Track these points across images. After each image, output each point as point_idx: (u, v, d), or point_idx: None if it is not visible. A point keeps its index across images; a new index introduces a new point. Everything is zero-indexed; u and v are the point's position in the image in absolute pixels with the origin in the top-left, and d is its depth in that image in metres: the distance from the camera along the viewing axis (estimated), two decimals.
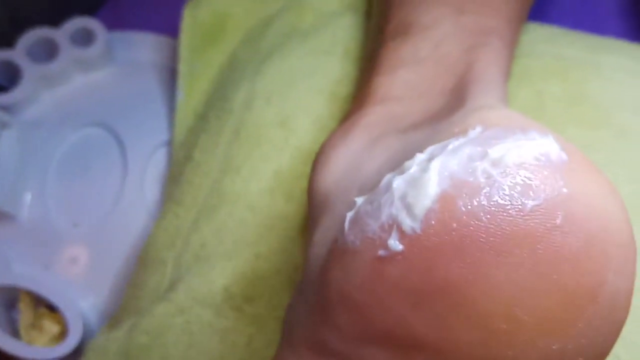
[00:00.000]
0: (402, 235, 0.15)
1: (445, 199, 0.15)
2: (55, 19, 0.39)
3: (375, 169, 0.20)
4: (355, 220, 0.16)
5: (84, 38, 0.38)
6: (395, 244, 0.15)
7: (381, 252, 0.15)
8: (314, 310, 0.18)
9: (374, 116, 0.23)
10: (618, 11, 0.37)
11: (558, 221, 0.14)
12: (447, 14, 0.25)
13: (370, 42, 0.29)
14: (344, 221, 0.18)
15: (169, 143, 0.38)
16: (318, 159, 0.23)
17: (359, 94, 0.25)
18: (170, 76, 0.40)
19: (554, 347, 0.15)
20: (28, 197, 0.36)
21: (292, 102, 0.31)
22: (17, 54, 0.37)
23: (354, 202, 0.17)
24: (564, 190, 0.14)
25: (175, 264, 0.30)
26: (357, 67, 0.32)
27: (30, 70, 0.37)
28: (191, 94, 0.36)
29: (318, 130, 0.31)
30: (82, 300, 0.36)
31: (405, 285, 0.15)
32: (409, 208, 0.15)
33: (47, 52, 0.38)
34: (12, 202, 0.36)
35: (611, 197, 0.15)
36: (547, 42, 0.31)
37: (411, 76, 0.24)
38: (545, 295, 0.14)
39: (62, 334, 0.35)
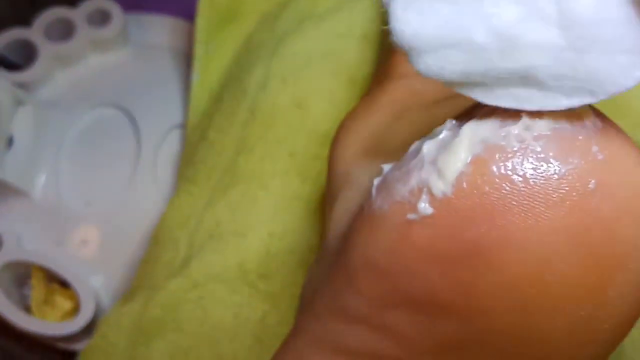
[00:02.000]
0: (432, 199, 0.15)
1: (477, 163, 0.15)
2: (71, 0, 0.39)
3: (400, 141, 0.20)
4: (383, 186, 0.17)
5: (101, 19, 0.39)
6: (425, 207, 0.15)
7: (410, 216, 0.16)
8: (336, 277, 0.18)
9: (395, 92, 0.23)
10: None
11: (591, 186, 0.14)
12: None
13: None
14: (367, 191, 0.18)
15: (183, 125, 0.38)
16: (339, 133, 0.23)
17: (379, 72, 0.26)
18: (185, 59, 0.40)
19: (581, 313, 0.15)
20: (42, 175, 0.37)
21: (308, 84, 0.31)
22: (34, 32, 0.38)
23: (381, 170, 0.17)
24: (599, 156, 0.14)
25: (189, 241, 0.30)
26: (374, 50, 0.32)
27: (46, 49, 0.38)
28: (206, 75, 0.36)
29: (334, 112, 0.31)
30: (94, 279, 0.36)
31: (434, 249, 0.16)
32: (439, 171, 0.15)
33: (64, 31, 0.38)
34: (26, 179, 0.36)
35: None
36: None
37: None
38: (576, 261, 0.15)
39: (74, 310, 0.35)
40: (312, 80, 0.32)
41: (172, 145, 0.38)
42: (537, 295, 0.15)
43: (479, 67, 0.14)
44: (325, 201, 0.23)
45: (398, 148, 0.20)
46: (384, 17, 0.15)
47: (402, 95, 0.23)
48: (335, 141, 0.23)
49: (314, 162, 0.30)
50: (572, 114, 0.15)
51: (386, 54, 0.26)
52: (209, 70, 0.36)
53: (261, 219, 0.29)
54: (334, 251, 0.19)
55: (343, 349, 0.18)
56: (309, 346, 0.18)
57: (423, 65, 0.14)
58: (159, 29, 0.41)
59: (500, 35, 0.14)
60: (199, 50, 0.36)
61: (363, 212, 0.17)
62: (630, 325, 0.16)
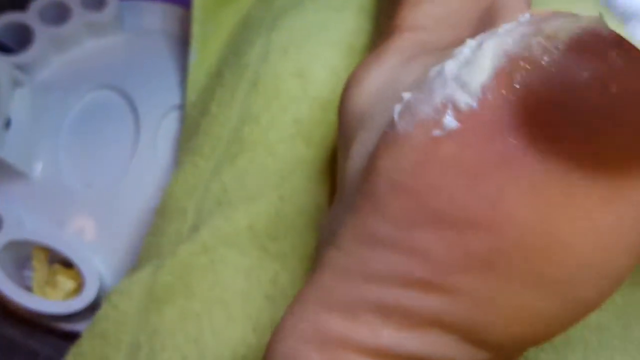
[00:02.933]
0: (458, 113, 0.16)
1: (501, 74, 0.15)
2: None
3: (413, 80, 0.20)
4: (405, 109, 0.17)
5: (96, 3, 0.39)
6: (451, 121, 0.16)
7: (436, 133, 0.16)
8: (361, 207, 0.18)
9: (404, 41, 0.24)
10: None
11: (614, 91, 0.15)
12: None
13: None
14: (384, 125, 0.19)
15: (181, 107, 0.38)
16: (351, 81, 0.23)
17: (385, 28, 0.26)
18: (179, 43, 0.41)
19: (608, 217, 0.16)
20: (41, 156, 0.36)
21: (309, 54, 0.32)
22: (30, 16, 0.38)
23: (401, 98, 0.18)
24: (618, 61, 0.15)
25: (197, 210, 0.30)
26: (371, 22, 0.33)
27: (42, 33, 0.38)
28: (204, 55, 0.37)
29: (335, 80, 0.31)
30: (95, 259, 0.36)
31: (460, 163, 0.16)
32: (464, 84, 0.16)
33: (59, 15, 0.38)
34: (25, 160, 0.36)
35: None
36: None
37: (438, 9, 0.24)
38: (604, 160, 0.15)
39: (77, 290, 0.35)
40: (312, 51, 0.32)
41: (170, 126, 0.38)
42: (562, 202, 0.16)
43: None
44: (337, 148, 0.24)
45: (410, 85, 0.20)
46: None
47: (410, 43, 0.23)
48: (346, 89, 0.23)
49: (319, 127, 0.30)
50: (590, 23, 0.15)
51: (390, 11, 0.27)
52: (206, 50, 0.37)
53: (269, 183, 0.29)
54: (354, 185, 0.20)
55: (371, 276, 0.18)
56: (336, 278, 0.19)
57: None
58: (152, 15, 0.41)
59: None
60: (196, 31, 0.37)
61: (386, 137, 0.18)
62: None
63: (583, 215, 0.16)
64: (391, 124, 0.17)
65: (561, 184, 0.16)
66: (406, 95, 0.18)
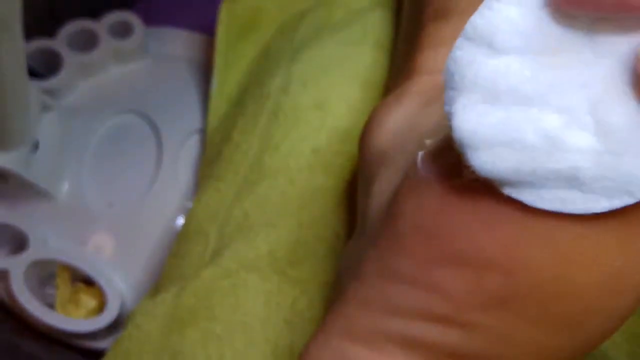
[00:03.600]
0: None
1: None
2: (91, 11, 0.41)
3: (432, 123, 0.22)
4: (428, 156, 0.18)
5: (122, 31, 0.40)
6: (469, 172, 0.17)
7: (456, 181, 0.17)
8: (384, 244, 0.20)
9: (423, 85, 0.25)
10: None
11: None
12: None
13: (406, 28, 0.31)
14: (406, 167, 0.20)
15: (202, 131, 0.40)
16: (372, 121, 0.25)
17: (403, 70, 0.28)
18: (201, 70, 0.42)
19: (615, 264, 0.17)
20: (66, 178, 0.38)
21: (327, 87, 0.33)
22: (58, 43, 0.39)
23: (424, 144, 0.19)
24: None
25: (218, 234, 0.31)
26: (387, 56, 0.34)
27: (70, 59, 0.39)
28: (225, 83, 0.38)
29: (352, 112, 0.33)
30: (116, 278, 0.37)
31: (479, 210, 0.17)
32: None
33: (87, 42, 0.40)
34: (51, 182, 0.37)
35: None
36: None
37: None
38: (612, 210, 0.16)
39: (98, 309, 0.36)
40: (331, 84, 0.34)
41: (192, 149, 0.39)
42: (573, 248, 0.17)
43: (528, 166, 0.16)
44: (358, 185, 0.25)
45: (431, 130, 0.22)
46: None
47: (430, 87, 0.25)
48: (368, 130, 0.25)
49: (337, 158, 0.31)
50: None
51: (408, 53, 0.28)
52: (227, 78, 0.38)
53: (289, 211, 0.30)
54: (377, 224, 0.21)
55: (393, 310, 0.19)
56: (359, 310, 0.20)
57: (478, 160, 0.16)
58: (176, 42, 0.43)
59: (546, 137, 0.15)
60: (218, 60, 0.38)
61: (409, 181, 0.19)
62: None
63: (593, 261, 0.17)
64: (413, 169, 0.19)
65: (573, 232, 0.17)
66: (428, 142, 0.19)
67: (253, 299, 0.29)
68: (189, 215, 0.33)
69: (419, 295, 0.19)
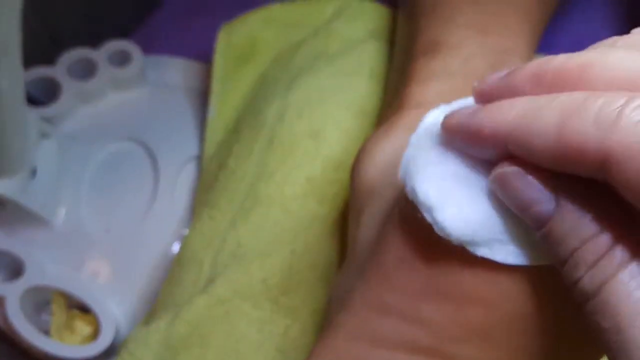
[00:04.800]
0: None
1: None
2: (90, 39, 0.41)
3: None
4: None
5: (121, 59, 0.41)
6: None
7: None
8: (371, 276, 0.20)
9: (412, 117, 0.25)
10: None
11: None
12: (472, 35, 0.28)
13: (398, 60, 0.32)
14: (393, 202, 0.20)
15: (198, 157, 0.40)
16: (362, 155, 0.25)
17: (394, 103, 0.28)
18: (198, 97, 0.43)
19: None
20: (63, 204, 0.38)
21: (323, 116, 0.34)
22: (58, 70, 0.40)
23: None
24: None
25: (212, 262, 0.32)
26: (381, 86, 0.35)
27: (69, 87, 0.40)
28: (222, 111, 0.39)
29: (347, 141, 0.33)
30: (112, 304, 0.37)
31: (461, 248, 0.18)
32: None
33: (86, 70, 0.41)
34: (49, 208, 0.37)
35: None
36: None
37: (443, 87, 0.26)
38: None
39: (93, 336, 0.36)
40: (326, 113, 0.34)
41: (188, 175, 0.40)
42: (550, 283, 0.17)
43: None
44: (349, 215, 0.26)
45: None
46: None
47: (417, 120, 0.25)
48: (358, 162, 0.25)
49: (330, 186, 0.32)
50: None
51: (399, 85, 0.29)
52: (224, 106, 0.39)
53: (283, 239, 0.31)
54: (366, 255, 0.21)
55: (380, 341, 0.19)
56: (347, 340, 0.20)
57: (431, 219, 0.18)
58: (174, 70, 0.44)
59: None
60: (215, 88, 0.39)
61: (396, 219, 0.19)
62: None
63: (549, 305, 0.18)
64: (401, 206, 0.19)
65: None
66: None
67: (246, 327, 0.29)
68: (184, 242, 0.34)
69: (404, 327, 0.19)
